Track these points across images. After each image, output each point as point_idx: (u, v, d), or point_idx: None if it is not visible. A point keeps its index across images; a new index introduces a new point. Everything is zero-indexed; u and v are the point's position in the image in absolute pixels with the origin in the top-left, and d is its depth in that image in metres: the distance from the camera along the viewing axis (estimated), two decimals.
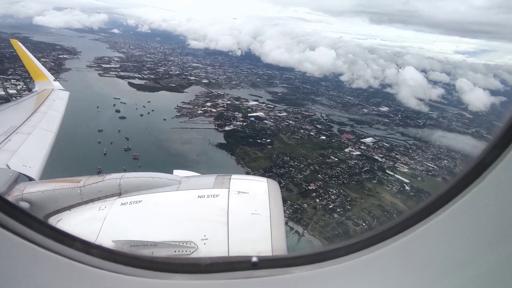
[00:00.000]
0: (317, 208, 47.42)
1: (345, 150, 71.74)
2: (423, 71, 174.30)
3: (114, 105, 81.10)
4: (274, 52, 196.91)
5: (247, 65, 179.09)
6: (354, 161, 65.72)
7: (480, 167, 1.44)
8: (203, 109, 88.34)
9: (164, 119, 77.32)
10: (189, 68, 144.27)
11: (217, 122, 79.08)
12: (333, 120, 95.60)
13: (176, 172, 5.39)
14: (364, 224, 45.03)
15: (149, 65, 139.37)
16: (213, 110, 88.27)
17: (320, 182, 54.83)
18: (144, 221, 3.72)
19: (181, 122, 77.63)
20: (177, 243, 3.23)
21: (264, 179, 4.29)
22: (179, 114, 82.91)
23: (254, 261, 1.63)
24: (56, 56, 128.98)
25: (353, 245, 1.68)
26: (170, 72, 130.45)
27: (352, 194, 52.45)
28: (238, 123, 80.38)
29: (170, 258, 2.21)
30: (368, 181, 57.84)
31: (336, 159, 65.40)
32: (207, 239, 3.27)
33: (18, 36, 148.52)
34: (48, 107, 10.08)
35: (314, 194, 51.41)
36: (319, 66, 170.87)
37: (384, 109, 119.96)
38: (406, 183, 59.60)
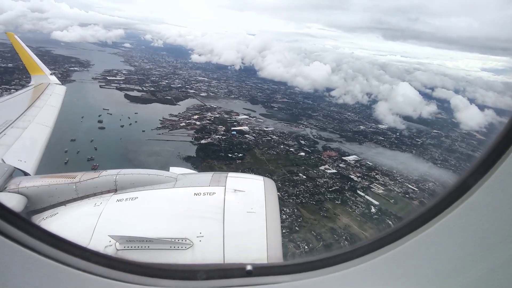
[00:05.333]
0: None
1: (320, 167, 69.01)
2: (431, 88, 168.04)
3: (99, 116, 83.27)
4: (270, 67, 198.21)
5: (254, 79, 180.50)
6: (324, 180, 62.94)
7: (472, 179, 1.46)
8: (187, 121, 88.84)
9: (143, 131, 78.28)
10: (192, 82, 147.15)
11: (196, 135, 78.91)
12: (321, 136, 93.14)
13: (173, 169, 5.55)
14: (306, 247, 42.43)
15: (154, 78, 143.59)
16: (197, 123, 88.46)
17: None
18: (140, 217, 3.74)
19: (159, 134, 78.26)
20: (173, 240, 3.22)
21: (260, 178, 4.31)
22: (161, 126, 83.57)
23: (248, 270, 1.65)
24: (67, 68, 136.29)
25: (348, 254, 1.71)
26: (171, 85, 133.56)
27: (306, 215, 49.79)
28: (217, 136, 79.72)
29: (164, 264, 2.14)
30: (330, 202, 54.82)
31: (304, 176, 62.93)
32: (202, 236, 3.26)
33: (41, 50, 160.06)
34: (44, 101, 10.00)
35: None
36: (312, 80, 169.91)
37: (384, 126, 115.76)
38: (375, 205, 56.01)
